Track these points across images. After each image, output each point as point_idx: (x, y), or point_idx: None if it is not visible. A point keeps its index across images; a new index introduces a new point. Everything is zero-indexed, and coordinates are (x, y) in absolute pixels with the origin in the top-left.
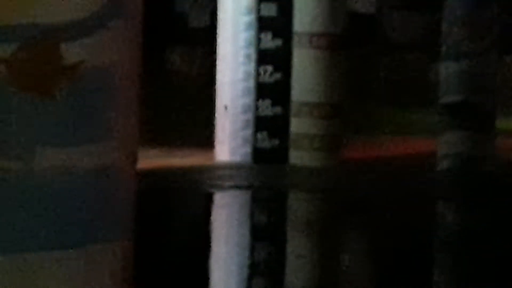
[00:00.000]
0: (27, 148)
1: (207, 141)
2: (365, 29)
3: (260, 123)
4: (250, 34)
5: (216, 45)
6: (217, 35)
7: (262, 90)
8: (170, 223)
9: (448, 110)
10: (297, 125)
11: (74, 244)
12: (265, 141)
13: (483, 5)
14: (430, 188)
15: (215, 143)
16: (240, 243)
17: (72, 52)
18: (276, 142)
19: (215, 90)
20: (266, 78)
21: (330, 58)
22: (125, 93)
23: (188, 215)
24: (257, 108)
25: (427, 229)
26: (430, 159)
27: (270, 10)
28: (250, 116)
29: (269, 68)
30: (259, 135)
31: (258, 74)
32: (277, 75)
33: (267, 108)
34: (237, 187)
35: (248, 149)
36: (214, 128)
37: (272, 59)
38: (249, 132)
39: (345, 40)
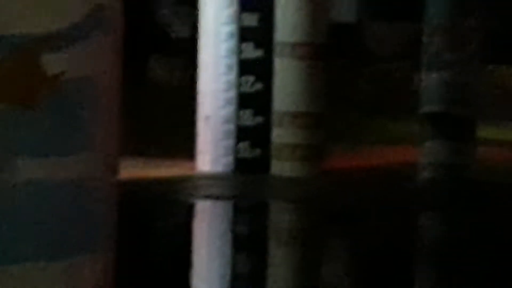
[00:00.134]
0: (8, 159)
1: (188, 151)
2: (347, 38)
3: (241, 133)
4: (232, 44)
5: (197, 55)
6: (198, 45)
7: (243, 100)
8: (151, 234)
9: (430, 120)
10: (278, 135)
11: (55, 256)
12: (246, 151)
13: (464, 14)
14: (412, 197)
15: (196, 153)
16: (221, 253)
17: (53, 63)
18: (257, 152)
19: (196, 100)
20: (248, 88)
21: (312, 68)
22: (107, 104)
23: (169, 226)
24: (238, 118)
25: (410, 238)
26: (412, 168)
27: (251, 20)
28: (231, 126)
29: (251, 78)
30: (240, 145)
31: (239, 84)
32: (259, 85)
33: (248, 118)
34: (219, 197)
35: (229, 159)
36: (195, 138)
37: (254, 69)
38: (230, 142)
39: (327, 50)
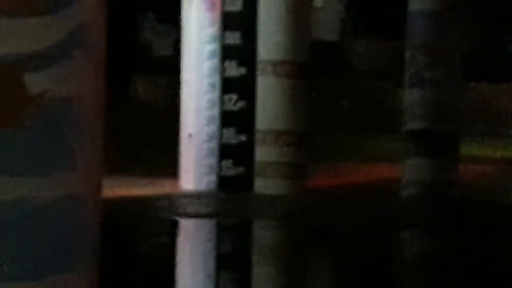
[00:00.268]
0: None
1: (172, 169)
2: (329, 57)
3: (225, 151)
4: (214, 62)
5: (180, 74)
6: (181, 64)
7: (226, 118)
8: (135, 252)
9: (412, 137)
10: (262, 153)
11: (38, 275)
12: (230, 169)
13: (446, 32)
14: (395, 214)
15: (180, 171)
16: (205, 271)
17: (35, 82)
18: (241, 170)
19: (179, 118)
20: (231, 106)
21: (295, 86)
22: (89, 122)
23: (153, 244)
24: (221, 136)
25: (393, 255)
26: (395, 185)
27: (234, 38)
28: (214, 144)
29: (234, 96)
30: (224, 163)
31: (222, 102)
32: (242, 103)
33: (231, 136)
34: (202, 215)
35: (213, 177)
36: (179, 157)
37: (237, 87)
38: (214, 160)
39: (310, 68)
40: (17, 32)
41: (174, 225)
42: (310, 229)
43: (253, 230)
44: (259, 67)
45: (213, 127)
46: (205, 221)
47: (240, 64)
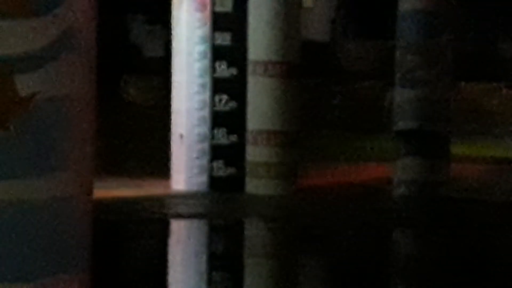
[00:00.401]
0: None
1: (163, 170)
2: (320, 57)
3: (216, 152)
4: (205, 63)
5: (170, 75)
6: (172, 65)
7: (217, 119)
8: (127, 253)
9: (403, 137)
10: (253, 153)
11: (30, 277)
12: (221, 170)
13: (435, 33)
14: (386, 214)
15: (171, 172)
16: (196, 271)
17: (26, 84)
18: (232, 170)
19: (170, 119)
20: (222, 107)
21: (285, 86)
22: (80, 124)
23: (144, 245)
24: (212, 136)
25: (384, 255)
26: (386, 185)
27: (224, 39)
28: (205, 144)
29: (224, 96)
30: (215, 164)
31: (213, 103)
32: (232, 104)
33: (222, 136)
34: (194, 216)
35: (204, 178)
36: (170, 157)
37: (227, 87)
38: (205, 160)
39: (300, 68)
40: (7, 34)
41: (166, 226)
42: (302, 229)
43: (244, 230)
44: (250, 67)
45: (204, 128)
46: (196, 221)
47: (230, 64)
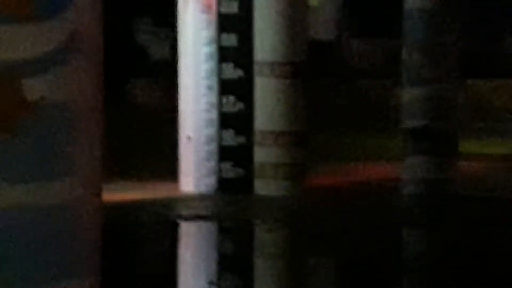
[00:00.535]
0: None
1: (171, 172)
2: (326, 56)
3: (224, 153)
4: (211, 64)
5: (177, 77)
6: (178, 67)
7: (225, 120)
8: (136, 256)
9: (411, 135)
10: (261, 154)
11: (39, 283)
12: (229, 171)
13: (442, 30)
14: (395, 212)
15: (179, 174)
16: (206, 273)
17: (33, 88)
18: (240, 172)
19: (178, 121)
20: (229, 108)
21: (292, 87)
22: (87, 127)
23: (154, 247)
24: (220, 138)
25: (394, 253)
26: (395, 184)
27: (230, 40)
28: (213, 146)
29: (232, 98)
30: (223, 165)
31: (220, 104)
32: (240, 105)
33: (230, 138)
34: (203, 217)
35: (212, 179)
36: (178, 159)
37: (234, 89)
38: (213, 162)
39: (307, 68)
40: (14, 38)
41: (175, 228)
42: (312, 229)
43: (254, 232)
44: (256, 68)
45: (212, 130)
46: (205, 223)
47: (237, 66)
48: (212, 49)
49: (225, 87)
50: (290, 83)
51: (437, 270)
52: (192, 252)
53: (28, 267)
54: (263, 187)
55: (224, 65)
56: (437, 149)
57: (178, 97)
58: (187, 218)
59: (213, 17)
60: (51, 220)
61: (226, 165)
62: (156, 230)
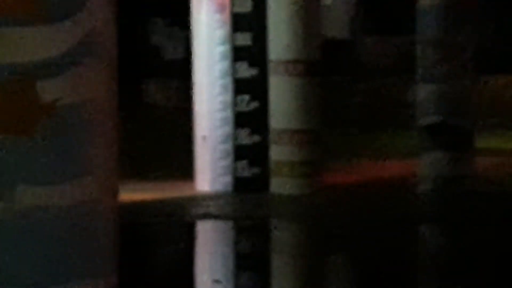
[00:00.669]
0: (7, 187)
1: (187, 172)
2: (341, 54)
3: (239, 152)
4: (226, 64)
5: (192, 76)
6: (193, 66)
7: (240, 119)
8: (153, 255)
9: (427, 132)
10: (276, 152)
11: (57, 281)
12: (245, 170)
13: (456, 26)
14: (412, 210)
15: (195, 173)
16: (223, 273)
17: (48, 90)
18: (256, 170)
19: (192, 121)
20: (244, 107)
21: (307, 85)
22: (103, 128)
23: (171, 247)
24: (236, 137)
25: (411, 251)
26: (411, 181)
27: (244, 39)
28: (229, 145)
29: (246, 97)
30: (239, 164)
31: (235, 103)
32: (255, 104)
33: (246, 137)
34: (219, 217)
35: (228, 178)
36: (194, 159)
37: (249, 88)
38: (228, 161)
39: (321, 66)
40: (28, 41)
41: (191, 227)
42: (329, 227)
43: (270, 230)
44: (271, 67)
45: (227, 129)
46: (221, 222)
47: (251, 65)
48: (226, 48)
49: (239, 86)
50: (305, 81)
51: (456, 267)
52: (209, 251)
53: (46, 266)
54: (278, 185)
55: (238, 64)
56: (453, 145)
57: (193, 97)
58: (203, 217)
59: (227, 16)
60: (68, 220)
61: (242, 164)
62: (172, 229)
